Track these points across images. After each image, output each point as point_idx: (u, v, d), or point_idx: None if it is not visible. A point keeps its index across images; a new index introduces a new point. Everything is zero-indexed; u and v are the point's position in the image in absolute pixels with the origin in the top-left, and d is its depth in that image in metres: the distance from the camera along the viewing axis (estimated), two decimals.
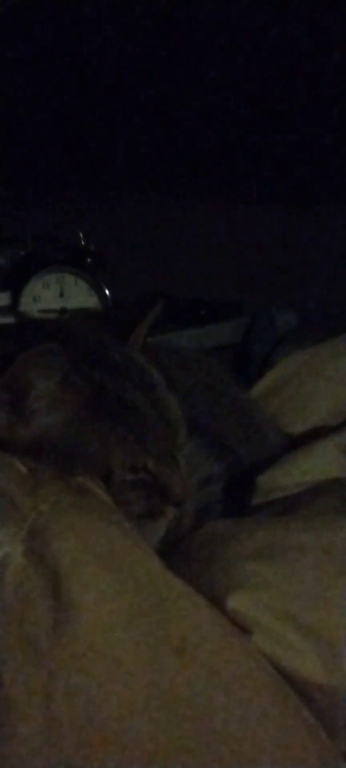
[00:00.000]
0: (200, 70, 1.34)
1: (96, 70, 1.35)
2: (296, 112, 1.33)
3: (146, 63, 1.34)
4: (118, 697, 0.40)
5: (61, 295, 1.21)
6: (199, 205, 1.38)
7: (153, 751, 0.39)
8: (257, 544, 0.52)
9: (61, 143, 1.38)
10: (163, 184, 1.38)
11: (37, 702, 0.39)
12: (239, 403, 0.86)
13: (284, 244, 1.37)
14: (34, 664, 0.40)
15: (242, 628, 0.46)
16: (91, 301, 1.21)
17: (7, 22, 1.27)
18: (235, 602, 0.47)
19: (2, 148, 1.34)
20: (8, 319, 1.13)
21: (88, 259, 1.23)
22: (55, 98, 1.37)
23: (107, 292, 1.21)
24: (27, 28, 1.31)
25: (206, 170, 1.37)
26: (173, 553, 0.54)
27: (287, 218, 1.36)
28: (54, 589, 0.42)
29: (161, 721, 0.40)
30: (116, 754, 0.39)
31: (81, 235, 1.24)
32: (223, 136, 1.37)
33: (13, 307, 1.19)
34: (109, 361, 0.57)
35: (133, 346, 0.62)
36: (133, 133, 1.38)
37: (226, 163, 1.37)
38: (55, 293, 1.21)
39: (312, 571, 0.49)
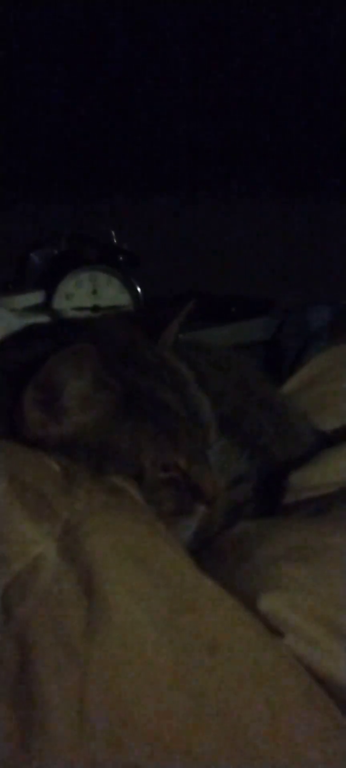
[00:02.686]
0: (240, 68, 1.33)
1: (133, 73, 1.36)
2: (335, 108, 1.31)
3: (183, 65, 1.34)
4: (150, 697, 0.40)
5: (94, 292, 1.22)
6: (230, 203, 1.37)
7: (185, 751, 0.39)
8: (290, 545, 0.51)
9: (95, 143, 1.39)
10: (195, 182, 1.38)
11: (71, 700, 0.40)
12: (271, 400, 0.85)
13: (316, 240, 1.35)
14: (67, 663, 0.41)
15: (274, 629, 0.45)
16: (123, 299, 1.22)
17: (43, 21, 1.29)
18: (267, 603, 0.46)
19: (36, 149, 1.36)
20: (42, 317, 1.14)
21: (121, 258, 1.24)
22: (90, 98, 1.38)
23: (139, 289, 1.22)
24: (65, 28, 1.33)
25: (238, 169, 1.37)
26: (205, 552, 0.54)
27: (320, 214, 1.35)
28: (87, 587, 0.43)
29: (193, 720, 0.40)
30: (149, 753, 0.39)
31: (113, 233, 1.25)
32: (256, 135, 1.36)
33: (47, 305, 1.21)
34: (141, 360, 0.57)
35: (164, 345, 0.62)
36: (167, 132, 1.39)
37: (258, 162, 1.36)
38: (88, 291, 1.22)
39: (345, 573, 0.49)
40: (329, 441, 0.76)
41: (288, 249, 1.35)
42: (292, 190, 1.34)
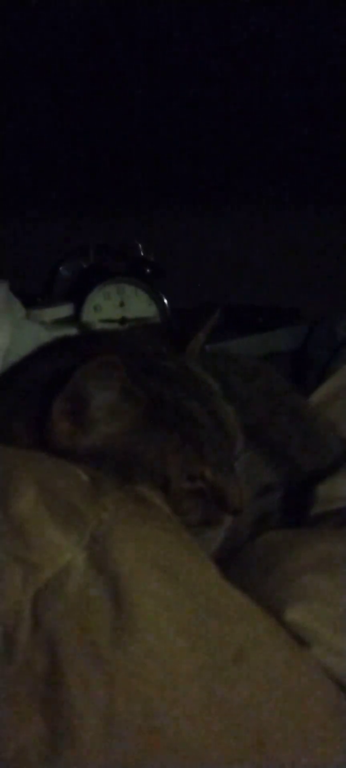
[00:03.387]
0: (267, 81, 1.34)
1: (161, 87, 1.37)
2: None
3: (208, 76, 1.35)
4: (176, 704, 0.41)
5: (122, 305, 1.23)
6: (257, 213, 1.37)
7: (210, 759, 0.40)
8: (317, 556, 0.51)
9: (122, 157, 1.41)
10: (220, 194, 1.38)
11: (97, 706, 0.40)
12: (299, 410, 0.84)
13: (343, 250, 1.34)
14: (94, 669, 0.41)
15: (300, 640, 0.45)
16: (150, 311, 1.23)
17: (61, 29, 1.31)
18: (294, 614, 0.46)
19: (64, 163, 1.39)
20: (71, 330, 1.16)
21: (148, 270, 1.25)
22: (117, 113, 1.40)
23: (166, 301, 1.23)
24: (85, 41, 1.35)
25: (263, 179, 1.37)
26: (231, 562, 0.54)
27: None
28: (114, 596, 0.43)
29: (218, 728, 0.40)
30: (174, 759, 0.39)
31: (140, 246, 1.27)
32: (279, 146, 1.36)
33: (75, 318, 1.22)
34: (167, 371, 0.58)
35: (190, 356, 0.62)
36: (193, 146, 1.40)
37: (284, 172, 1.36)
38: (116, 303, 1.23)
39: None
40: None
41: (315, 258, 1.35)
42: (318, 200, 1.34)
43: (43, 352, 0.63)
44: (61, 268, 1.29)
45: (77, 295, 1.24)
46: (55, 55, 1.35)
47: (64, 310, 1.23)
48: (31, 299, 1.22)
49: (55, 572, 0.45)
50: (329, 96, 1.32)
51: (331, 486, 0.65)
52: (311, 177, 1.36)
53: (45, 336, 0.97)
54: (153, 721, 0.40)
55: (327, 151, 1.35)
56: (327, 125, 1.34)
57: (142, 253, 1.27)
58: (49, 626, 0.43)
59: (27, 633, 0.43)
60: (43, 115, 1.39)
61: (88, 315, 1.22)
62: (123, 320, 1.22)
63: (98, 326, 1.20)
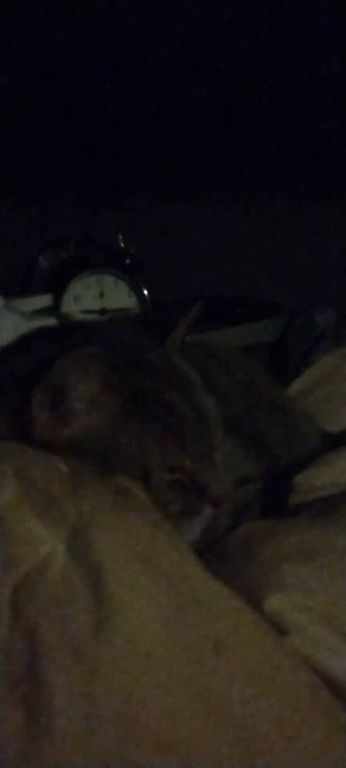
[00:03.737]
0: (245, 74, 1.34)
1: (140, 77, 1.36)
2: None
3: (188, 71, 1.34)
4: (157, 696, 0.41)
5: (102, 296, 1.23)
6: (236, 206, 1.38)
7: (190, 750, 0.40)
8: (295, 545, 0.52)
9: (102, 147, 1.40)
10: (201, 186, 1.38)
11: (78, 699, 0.40)
12: (277, 402, 0.85)
13: (321, 243, 1.36)
14: (75, 662, 0.41)
15: (279, 629, 0.46)
16: (130, 302, 1.23)
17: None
18: (273, 603, 0.47)
19: (44, 153, 1.37)
20: (50, 320, 1.15)
21: (128, 261, 1.24)
22: (97, 102, 1.39)
23: (146, 292, 1.23)
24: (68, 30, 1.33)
25: (244, 172, 1.37)
26: (211, 552, 0.55)
27: (325, 216, 1.35)
28: (95, 587, 0.43)
29: (198, 719, 0.40)
30: (155, 752, 0.40)
31: (120, 237, 1.26)
32: (261, 139, 1.37)
33: (55, 308, 1.21)
34: (147, 362, 0.58)
35: (171, 347, 0.62)
36: (173, 137, 1.39)
37: (264, 165, 1.36)
38: (96, 294, 1.23)
39: None
40: (334, 442, 0.76)
41: (294, 251, 1.36)
42: (297, 193, 1.34)
43: (22, 343, 0.63)
44: (40, 259, 1.28)
45: (57, 285, 1.23)
46: (31, 42, 1.33)
47: (44, 301, 1.22)
48: (10, 289, 1.21)
49: (35, 564, 0.44)
50: (304, 87, 1.32)
51: (309, 476, 0.66)
52: (289, 170, 1.36)
53: (24, 326, 0.96)
54: (133, 712, 0.40)
55: (304, 144, 1.36)
56: (302, 118, 1.34)
57: (122, 244, 1.26)
58: (29, 619, 0.43)
59: (6, 626, 0.43)
60: (22, 105, 1.37)
61: (68, 306, 1.21)
62: (103, 311, 1.21)
63: (78, 317, 1.20)
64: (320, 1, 1.23)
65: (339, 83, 1.30)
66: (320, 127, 1.35)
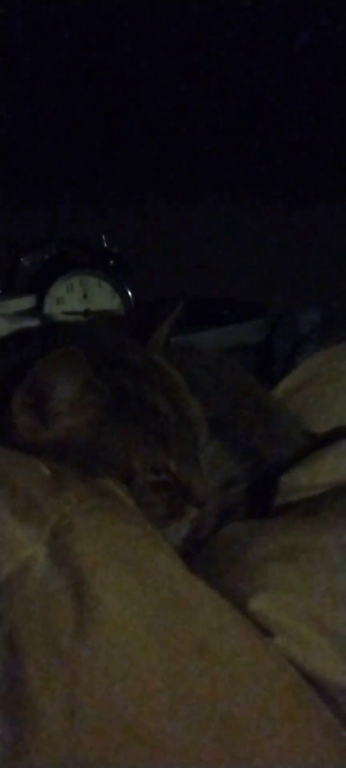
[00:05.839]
0: (237, 70, 1.34)
1: (125, 76, 1.36)
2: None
3: (177, 68, 1.34)
4: (139, 697, 0.40)
5: (85, 297, 1.22)
6: (221, 206, 1.38)
7: (174, 751, 0.39)
8: (280, 546, 0.52)
9: (85, 147, 1.39)
10: (186, 186, 1.38)
11: (60, 701, 0.40)
12: (262, 403, 0.85)
13: (306, 244, 1.36)
14: (56, 664, 0.41)
15: (263, 629, 0.46)
16: (114, 303, 1.22)
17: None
18: (257, 604, 0.46)
19: (26, 153, 1.36)
20: (33, 322, 1.14)
21: (111, 262, 1.24)
22: (81, 102, 1.38)
23: (130, 293, 1.22)
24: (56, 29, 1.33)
25: (229, 172, 1.37)
26: (196, 554, 0.54)
27: (310, 218, 1.35)
28: (76, 590, 0.43)
29: (182, 720, 0.40)
30: (137, 753, 0.39)
31: (104, 238, 1.26)
32: (245, 139, 1.37)
33: (37, 310, 1.20)
34: (130, 363, 0.58)
35: (153, 347, 0.62)
36: (158, 136, 1.39)
37: (249, 165, 1.36)
38: (79, 295, 1.22)
39: (334, 573, 0.49)
40: (318, 443, 0.77)
41: (279, 252, 1.36)
42: (281, 196, 1.35)
43: (4, 344, 0.62)
44: (22, 260, 1.27)
45: (39, 286, 1.22)
46: (13, 43, 1.32)
47: (26, 302, 1.21)
48: None
49: (16, 568, 0.44)
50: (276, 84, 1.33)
51: (293, 477, 0.66)
52: (276, 173, 1.37)
53: (6, 328, 0.96)
54: (116, 714, 0.40)
55: (292, 148, 1.36)
56: (293, 121, 1.35)
57: (105, 245, 1.26)
58: (10, 622, 0.42)
59: None
60: (4, 105, 1.36)
61: (51, 307, 1.20)
62: (86, 312, 1.21)
63: (61, 318, 1.19)
64: (320, 1, 1.23)
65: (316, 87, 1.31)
66: (306, 130, 1.35)
